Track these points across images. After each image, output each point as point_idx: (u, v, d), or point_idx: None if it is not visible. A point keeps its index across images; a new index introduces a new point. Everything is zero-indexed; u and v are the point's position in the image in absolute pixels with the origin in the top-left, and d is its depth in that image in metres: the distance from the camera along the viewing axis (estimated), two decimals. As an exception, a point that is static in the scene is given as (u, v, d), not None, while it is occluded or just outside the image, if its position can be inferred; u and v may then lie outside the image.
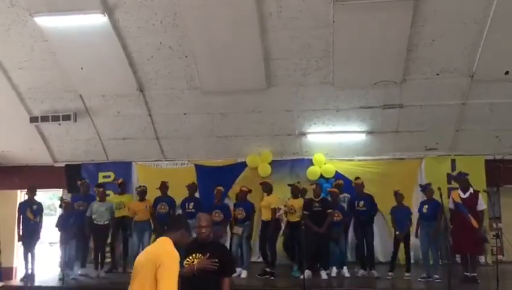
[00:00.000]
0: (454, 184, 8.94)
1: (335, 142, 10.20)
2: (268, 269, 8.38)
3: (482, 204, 7.82)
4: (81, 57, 8.76)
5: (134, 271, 3.58)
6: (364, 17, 7.75)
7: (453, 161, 9.92)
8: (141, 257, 3.66)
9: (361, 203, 8.52)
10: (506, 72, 8.43)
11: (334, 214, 8.40)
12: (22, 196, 11.57)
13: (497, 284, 6.82)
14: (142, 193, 9.08)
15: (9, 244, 11.01)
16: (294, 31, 8.18)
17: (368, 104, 9.37)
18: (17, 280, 9.09)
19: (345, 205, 8.93)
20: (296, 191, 8.65)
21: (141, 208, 8.97)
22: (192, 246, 4.28)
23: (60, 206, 9.02)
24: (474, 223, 7.57)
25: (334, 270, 8.43)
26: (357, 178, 8.99)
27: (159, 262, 3.42)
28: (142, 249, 8.60)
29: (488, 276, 8.07)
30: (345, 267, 8.45)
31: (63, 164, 11.12)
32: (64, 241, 8.70)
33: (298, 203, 8.45)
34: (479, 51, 8.18)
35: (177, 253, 3.60)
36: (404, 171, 10.01)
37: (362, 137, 10.03)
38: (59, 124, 10.11)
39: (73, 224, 8.65)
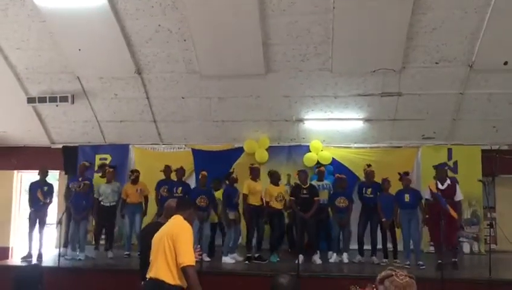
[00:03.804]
0: (450, 174, 8.94)
1: (332, 129, 10.19)
2: (256, 255, 8.44)
3: (460, 195, 7.83)
4: (79, 38, 8.70)
5: (152, 247, 4.17)
6: (364, 4, 7.69)
7: (450, 150, 9.96)
8: (158, 234, 4.18)
9: (369, 190, 8.54)
10: (505, 63, 8.41)
11: (320, 201, 8.47)
12: (18, 176, 11.61)
13: (490, 273, 6.90)
14: (135, 179, 9.14)
15: (6, 224, 11.10)
16: (294, 16, 8.12)
17: (366, 91, 9.34)
18: (13, 259, 9.11)
19: (326, 191, 8.91)
20: (276, 179, 8.69)
21: (133, 191, 9.04)
22: None
23: (80, 187, 8.94)
24: (453, 213, 7.59)
25: (334, 256, 8.51)
26: (368, 165, 8.90)
27: (175, 234, 4.01)
28: (133, 231, 8.71)
29: (481, 264, 8.17)
30: (345, 254, 8.50)
31: (60, 146, 11.12)
32: (72, 222, 8.74)
33: (284, 189, 8.47)
34: (479, 40, 8.15)
35: (189, 225, 4.19)
36: (401, 160, 10.00)
37: (360, 124, 10.03)
38: (56, 106, 10.08)
39: (85, 206, 8.73)
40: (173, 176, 9.31)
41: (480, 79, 8.86)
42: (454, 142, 9.99)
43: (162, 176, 9.35)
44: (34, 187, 8.87)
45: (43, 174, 8.96)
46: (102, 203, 8.98)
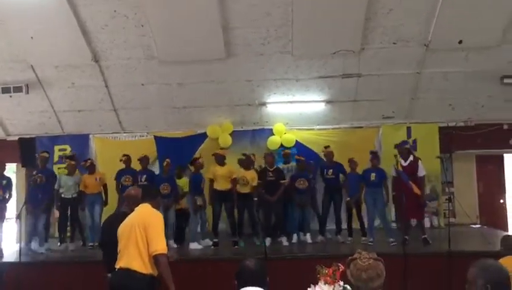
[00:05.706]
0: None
1: (295, 112, 10.25)
2: (216, 240, 8.47)
3: (422, 170, 8.08)
4: (31, 25, 8.33)
5: (120, 237, 4.10)
6: (323, -15, 7.71)
7: (409, 129, 10.21)
8: (125, 223, 4.12)
9: (330, 171, 8.69)
10: (460, 41, 8.61)
11: (286, 184, 8.52)
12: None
13: (449, 245, 7.15)
14: (91, 167, 8.97)
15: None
16: (253, -1, 8.06)
17: (327, 73, 9.41)
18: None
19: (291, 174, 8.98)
20: (247, 163, 8.68)
21: (91, 181, 8.87)
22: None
23: (35, 180, 8.64)
24: (416, 189, 7.85)
25: (295, 237, 8.61)
26: (326, 147, 9.06)
27: (147, 223, 3.98)
28: (93, 222, 8.48)
29: (440, 238, 8.46)
30: (308, 234, 8.61)
31: (16, 138, 10.72)
32: (29, 216, 8.48)
33: (250, 174, 8.49)
34: (434, 20, 8.30)
35: (160, 213, 4.21)
36: (362, 140, 10.21)
37: (321, 106, 10.12)
38: (10, 96, 9.69)
39: (42, 198, 8.47)
40: (134, 165, 9.12)
41: (436, 58, 9.04)
42: (413, 121, 10.24)
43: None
44: None
45: (0, 168, 8.64)
46: (63, 195, 8.75)
